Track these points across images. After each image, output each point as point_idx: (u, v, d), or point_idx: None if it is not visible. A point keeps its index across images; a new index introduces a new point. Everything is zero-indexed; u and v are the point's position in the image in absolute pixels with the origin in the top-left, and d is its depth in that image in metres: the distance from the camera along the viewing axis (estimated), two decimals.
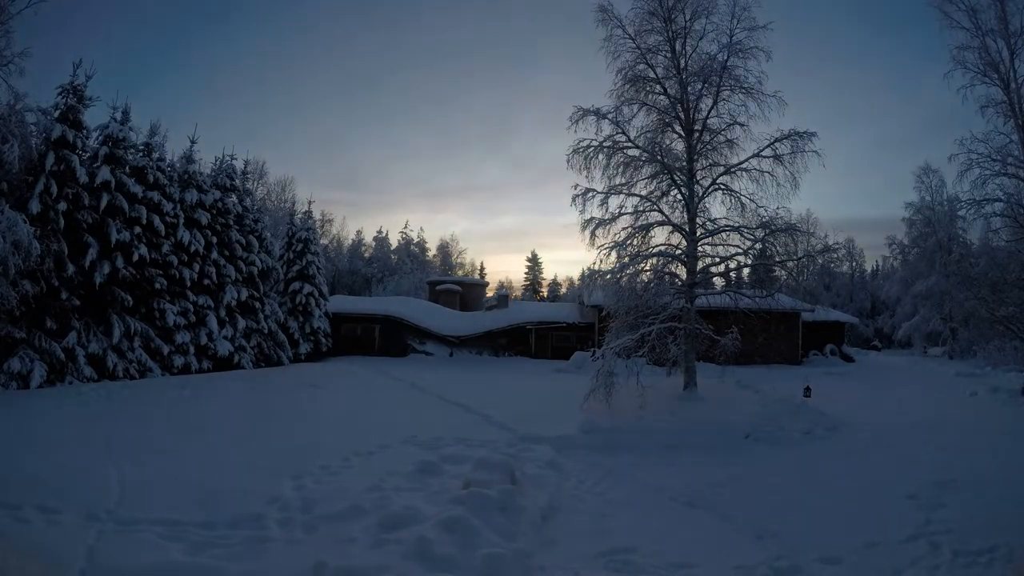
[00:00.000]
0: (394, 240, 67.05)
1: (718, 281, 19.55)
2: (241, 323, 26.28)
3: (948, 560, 6.06)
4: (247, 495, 7.42)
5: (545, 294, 78.21)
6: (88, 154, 21.23)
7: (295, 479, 8.23)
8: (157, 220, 22.53)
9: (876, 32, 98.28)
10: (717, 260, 17.43)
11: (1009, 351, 21.98)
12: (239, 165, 29.95)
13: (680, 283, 16.80)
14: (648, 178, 17.08)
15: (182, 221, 24.13)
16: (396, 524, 6.39)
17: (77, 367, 18.78)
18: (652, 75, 17.07)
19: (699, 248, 16.86)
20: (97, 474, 8.19)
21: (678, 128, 17.12)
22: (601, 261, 16.75)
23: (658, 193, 17.08)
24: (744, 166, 16.62)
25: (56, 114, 20.04)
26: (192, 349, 23.61)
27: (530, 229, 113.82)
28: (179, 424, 12.66)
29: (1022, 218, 19.35)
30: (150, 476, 8.21)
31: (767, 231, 16.36)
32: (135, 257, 21.24)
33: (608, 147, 16.70)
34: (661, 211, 17.01)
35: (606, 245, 16.59)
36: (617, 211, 16.83)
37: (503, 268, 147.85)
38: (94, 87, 21.01)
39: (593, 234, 16.66)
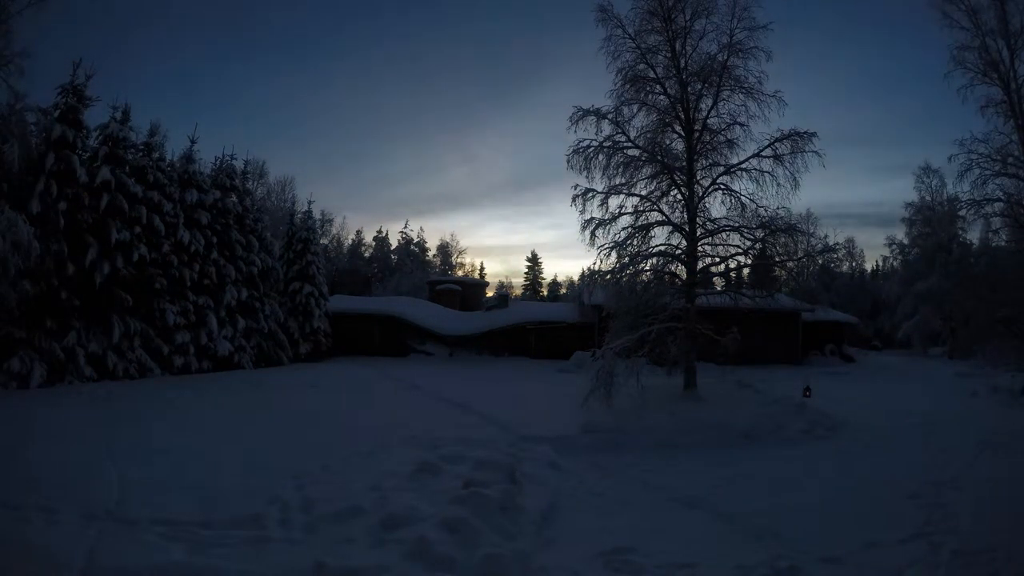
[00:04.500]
0: (394, 240, 67.12)
1: (718, 281, 19.55)
2: (241, 323, 26.29)
3: (948, 560, 6.05)
4: (247, 495, 7.42)
5: (545, 294, 78.18)
6: (88, 154, 21.27)
7: (295, 479, 8.23)
8: (157, 220, 22.56)
9: (876, 32, 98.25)
10: (717, 260, 17.42)
11: (1009, 351, 21.96)
12: (239, 165, 30.10)
13: (680, 283, 16.79)
14: (648, 178, 17.05)
15: (182, 221, 24.16)
16: (396, 524, 6.39)
17: (77, 367, 18.79)
18: (652, 75, 17.05)
19: (699, 248, 16.84)
20: (97, 474, 8.20)
21: (678, 128, 17.09)
22: (601, 261, 16.75)
23: (658, 193, 17.06)
24: (744, 166, 16.60)
25: (56, 114, 20.07)
26: (192, 349, 23.63)
27: (530, 228, 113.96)
28: (179, 424, 12.67)
29: (1022, 218, 19.34)
30: (150, 476, 8.22)
31: (767, 231, 16.35)
32: (135, 257, 21.26)
33: (608, 147, 16.67)
34: (661, 211, 16.99)
35: (606, 245, 16.58)
36: (617, 211, 16.81)
37: (503, 268, 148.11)
38: (94, 87, 21.05)
39: (593, 234, 16.64)
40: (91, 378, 19.09)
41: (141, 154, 23.41)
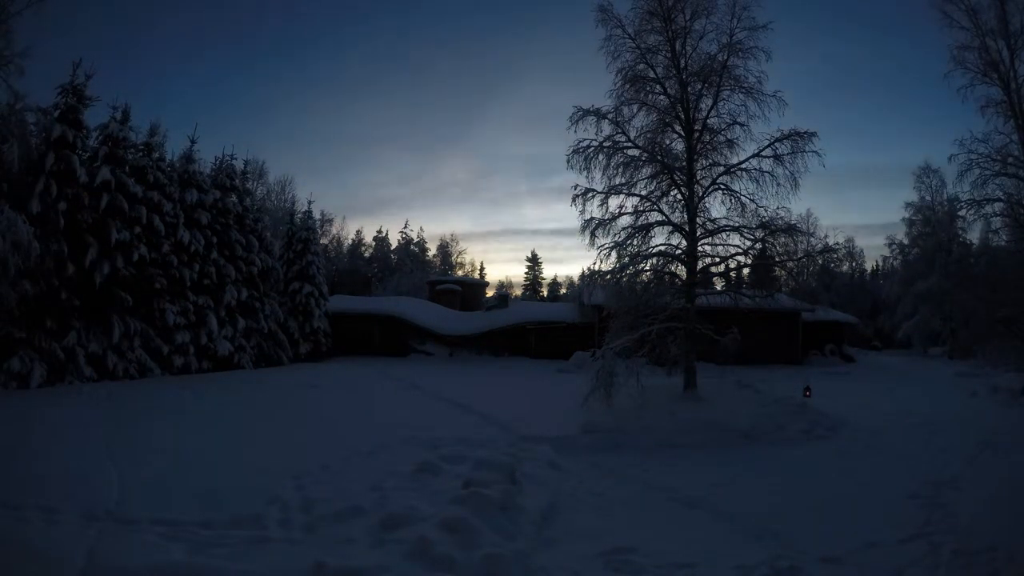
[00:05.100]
0: (394, 240, 67.08)
1: (718, 281, 19.54)
2: (241, 323, 26.29)
3: (948, 560, 6.06)
4: (247, 495, 7.42)
5: (545, 294, 78.18)
6: (88, 154, 21.26)
7: (295, 479, 8.24)
8: (157, 220, 22.57)
9: (875, 32, 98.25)
10: (717, 260, 17.40)
11: (1009, 351, 21.94)
12: (239, 165, 30.13)
13: (680, 283, 16.78)
14: (648, 178, 17.03)
15: (182, 221, 24.16)
16: (396, 524, 6.38)
17: (77, 367, 18.79)
18: (652, 75, 17.02)
19: (699, 248, 16.82)
20: (97, 474, 8.20)
21: (678, 128, 17.06)
22: (601, 261, 16.73)
23: (658, 193, 17.03)
24: (744, 166, 16.56)
25: (56, 114, 20.07)
26: (192, 349, 23.62)
27: (531, 228, 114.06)
28: (179, 424, 12.67)
29: (1022, 218, 19.31)
30: (150, 476, 8.22)
31: (767, 231, 16.33)
32: (135, 257, 21.26)
33: (608, 147, 16.65)
34: (661, 211, 16.97)
35: (606, 245, 16.55)
36: (617, 211, 16.79)
37: (503, 268, 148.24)
38: (94, 87, 21.07)
39: (593, 234, 16.62)
40: (91, 378, 19.09)
41: (141, 154, 23.42)
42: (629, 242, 16.62)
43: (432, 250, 69.76)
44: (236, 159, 29.58)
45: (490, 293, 60.77)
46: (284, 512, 6.96)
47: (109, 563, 5.30)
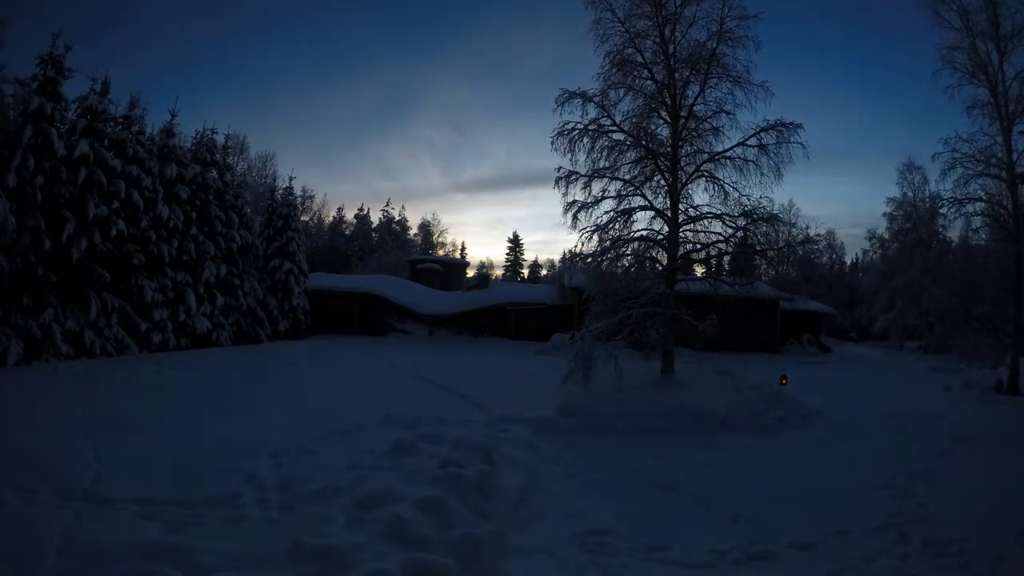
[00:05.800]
0: (375, 218, 66.48)
1: (699, 268, 19.64)
2: (220, 300, 26.09)
3: (918, 550, 6.17)
4: (224, 474, 7.40)
5: (526, 275, 78.19)
6: (66, 127, 20.82)
7: (273, 458, 8.23)
8: (136, 195, 22.23)
9: (865, 29, 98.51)
10: (698, 247, 17.47)
11: (983, 348, 22.21)
12: (220, 139, 29.65)
13: (661, 268, 16.87)
14: (632, 163, 17.08)
15: (161, 196, 23.81)
16: (373, 503, 6.40)
17: (54, 344, 18.52)
18: (640, 60, 17.02)
19: (681, 234, 16.89)
20: (74, 453, 8.15)
21: (664, 114, 17.10)
22: (583, 244, 16.81)
23: (641, 178, 17.09)
24: (728, 154, 16.64)
25: (35, 86, 19.62)
26: (170, 326, 23.41)
27: (513, 208, 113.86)
28: (156, 402, 12.59)
29: (1002, 219, 19.46)
30: (127, 455, 8.17)
31: (749, 220, 16.44)
32: (113, 232, 20.96)
33: (593, 130, 16.66)
34: (644, 196, 17.03)
35: (588, 228, 16.65)
36: (600, 194, 16.86)
37: (484, 249, 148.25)
38: (73, 59, 20.59)
39: (575, 217, 16.70)
40: (68, 356, 18.84)
41: (120, 127, 23.03)
42: (611, 226, 16.70)
43: (414, 229, 69.36)
44: (217, 133, 29.18)
45: (471, 273, 60.83)
46: (261, 491, 6.96)
47: (85, 542, 5.27)
